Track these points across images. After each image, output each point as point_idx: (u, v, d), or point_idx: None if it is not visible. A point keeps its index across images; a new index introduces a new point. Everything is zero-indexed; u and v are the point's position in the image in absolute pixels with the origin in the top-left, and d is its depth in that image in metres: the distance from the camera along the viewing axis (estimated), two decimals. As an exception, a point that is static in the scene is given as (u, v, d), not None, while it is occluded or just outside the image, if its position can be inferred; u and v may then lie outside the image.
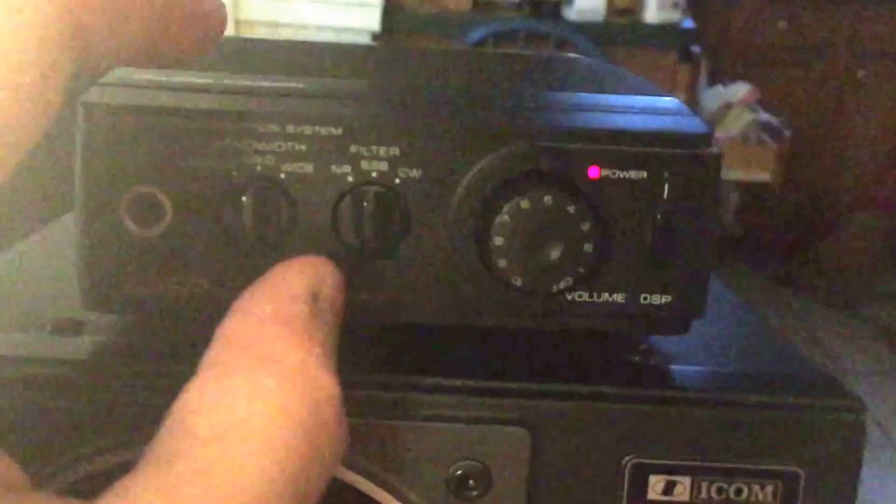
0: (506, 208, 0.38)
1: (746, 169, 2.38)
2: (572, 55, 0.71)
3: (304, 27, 2.41)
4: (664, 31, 2.36)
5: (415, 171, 0.39)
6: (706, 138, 0.40)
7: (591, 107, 0.43)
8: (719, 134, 2.45)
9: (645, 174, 0.39)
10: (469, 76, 0.55)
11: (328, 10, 2.40)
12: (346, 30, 2.41)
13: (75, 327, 0.41)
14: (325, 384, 0.26)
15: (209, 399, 0.25)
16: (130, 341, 0.41)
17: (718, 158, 0.39)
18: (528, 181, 0.38)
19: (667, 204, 0.39)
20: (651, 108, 0.43)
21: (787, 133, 2.44)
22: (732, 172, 2.44)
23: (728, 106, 2.45)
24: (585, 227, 0.38)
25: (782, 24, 2.87)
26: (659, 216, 0.39)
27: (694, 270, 0.40)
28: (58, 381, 0.38)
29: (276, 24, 2.41)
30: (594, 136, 0.39)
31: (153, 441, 0.24)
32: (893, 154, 3.01)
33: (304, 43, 0.64)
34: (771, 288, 2.98)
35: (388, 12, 2.44)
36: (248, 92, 0.40)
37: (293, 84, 0.42)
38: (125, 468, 0.36)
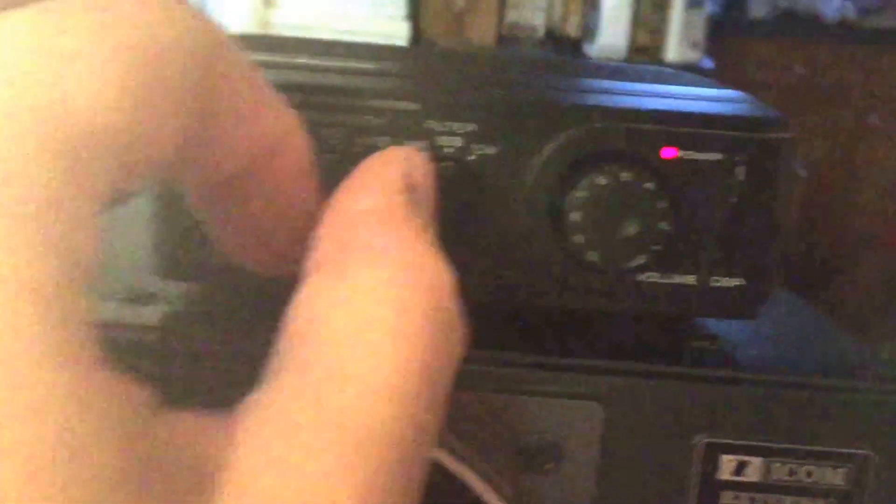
0: (583, 184, 0.38)
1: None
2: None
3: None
4: (684, 70, 2.37)
5: (490, 147, 0.39)
6: (781, 123, 0.40)
7: (664, 93, 0.43)
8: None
9: (720, 156, 0.39)
10: (528, 68, 0.56)
11: (355, 41, 2.41)
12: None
13: (148, 297, 0.41)
14: (438, 270, 0.26)
15: (325, 303, 0.24)
16: (202, 309, 0.41)
17: (793, 143, 0.40)
18: (603, 159, 0.38)
19: (740, 186, 0.39)
20: (722, 97, 0.44)
21: (802, 174, 2.44)
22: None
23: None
24: (662, 204, 0.38)
25: (798, 68, 2.88)
26: (732, 199, 0.39)
27: (765, 254, 0.40)
28: (132, 346, 0.38)
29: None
30: (670, 117, 0.39)
31: (274, 359, 0.23)
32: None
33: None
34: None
35: (413, 45, 2.45)
36: (320, 69, 0.40)
37: (365, 65, 0.43)
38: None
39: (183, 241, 0.39)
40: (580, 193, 0.38)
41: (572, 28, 2.40)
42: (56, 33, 0.20)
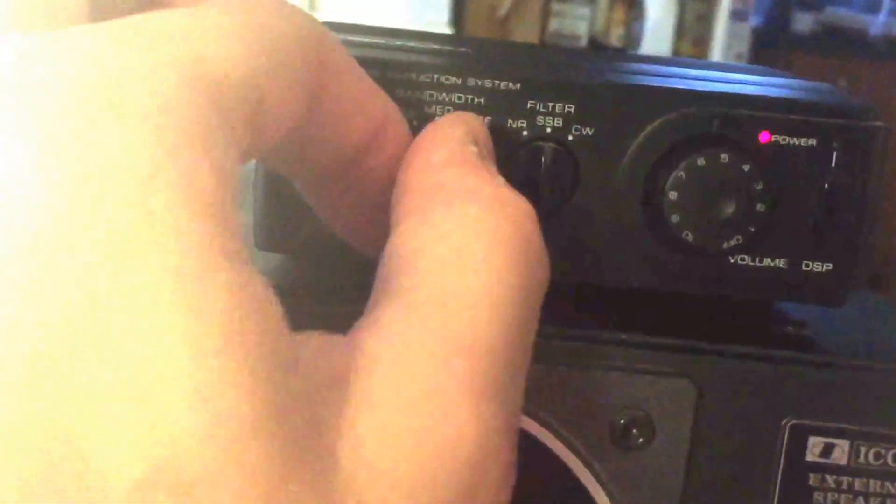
0: (682, 164, 0.39)
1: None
2: None
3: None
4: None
5: (588, 128, 0.39)
6: (874, 112, 0.40)
7: (752, 81, 0.44)
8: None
9: (815, 142, 0.39)
10: (616, 60, 0.56)
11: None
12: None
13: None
14: (521, 203, 0.28)
15: (420, 241, 0.26)
16: (296, 281, 0.42)
17: (887, 131, 0.40)
18: (700, 143, 0.39)
19: (834, 172, 0.40)
20: (811, 88, 0.44)
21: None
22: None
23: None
24: (759, 186, 0.39)
25: (842, 83, 2.88)
26: (826, 184, 0.40)
27: (854, 241, 0.40)
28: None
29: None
30: (766, 103, 0.40)
31: (374, 292, 0.25)
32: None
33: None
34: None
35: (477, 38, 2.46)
36: (422, 50, 0.41)
37: (462, 48, 0.44)
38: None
39: (280, 215, 0.40)
40: (679, 174, 0.39)
41: (615, 37, 2.41)
42: (194, 15, 0.22)
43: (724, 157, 0.38)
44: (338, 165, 0.29)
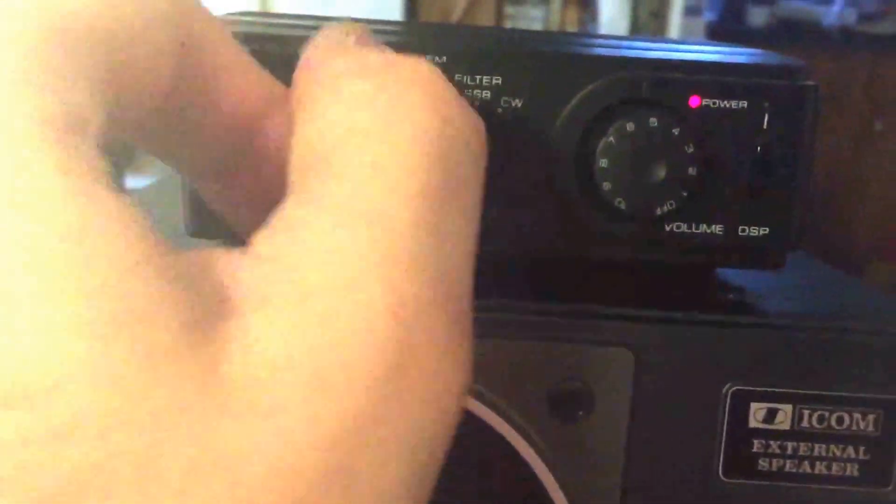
0: (611, 130, 0.38)
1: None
2: None
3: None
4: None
5: (517, 99, 0.39)
6: (804, 71, 0.40)
7: (686, 49, 0.44)
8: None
9: (745, 104, 0.39)
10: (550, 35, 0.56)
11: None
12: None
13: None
14: (419, 65, 0.26)
15: (316, 126, 0.24)
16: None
17: (816, 89, 0.40)
18: (630, 108, 0.38)
19: (766, 134, 0.39)
20: (741, 52, 0.44)
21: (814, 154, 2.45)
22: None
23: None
24: (689, 149, 0.38)
25: (798, 76, 2.90)
26: (758, 147, 0.39)
27: (791, 202, 0.40)
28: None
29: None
30: (695, 66, 0.39)
31: (290, 190, 0.23)
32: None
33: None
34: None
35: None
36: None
37: (389, 27, 0.43)
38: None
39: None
40: (608, 140, 0.38)
41: (571, 37, 2.41)
42: None
43: (654, 121, 0.38)
44: (221, 151, 0.27)
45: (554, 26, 2.46)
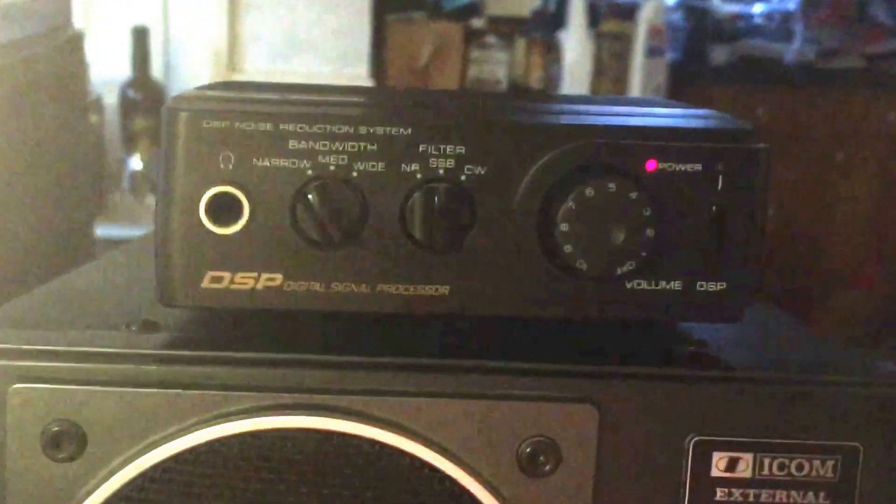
0: (571, 196, 0.40)
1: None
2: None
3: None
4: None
5: (480, 167, 0.40)
6: (754, 134, 0.42)
7: (642, 113, 0.45)
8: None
9: (700, 167, 0.41)
10: (513, 99, 0.58)
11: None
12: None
13: (152, 326, 0.43)
14: None
15: None
16: (202, 335, 0.43)
17: (767, 152, 0.42)
18: (590, 174, 0.40)
19: (720, 195, 0.41)
20: (697, 114, 0.46)
21: (769, 212, 2.48)
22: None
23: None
24: (647, 212, 0.40)
25: (760, 112, 2.93)
26: (713, 206, 0.41)
27: (747, 258, 0.42)
28: (137, 373, 0.40)
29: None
30: (650, 132, 0.41)
31: None
32: (877, 232, 3.06)
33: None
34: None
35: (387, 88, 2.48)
36: (316, 102, 0.42)
37: (356, 98, 0.45)
38: (211, 446, 0.37)
39: (178, 271, 0.41)
40: (568, 205, 0.40)
41: (535, 80, 2.44)
42: None
43: (612, 186, 0.40)
44: None
45: (519, 69, 2.48)
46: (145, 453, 0.39)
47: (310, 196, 0.40)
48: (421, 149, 0.40)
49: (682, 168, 0.41)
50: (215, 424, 0.39)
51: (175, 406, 0.39)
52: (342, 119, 0.40)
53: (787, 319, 0.53)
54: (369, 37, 2.43)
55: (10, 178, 0.93)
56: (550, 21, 2.48)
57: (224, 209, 0.40)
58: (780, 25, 3.03)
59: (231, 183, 0.40)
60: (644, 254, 0.40)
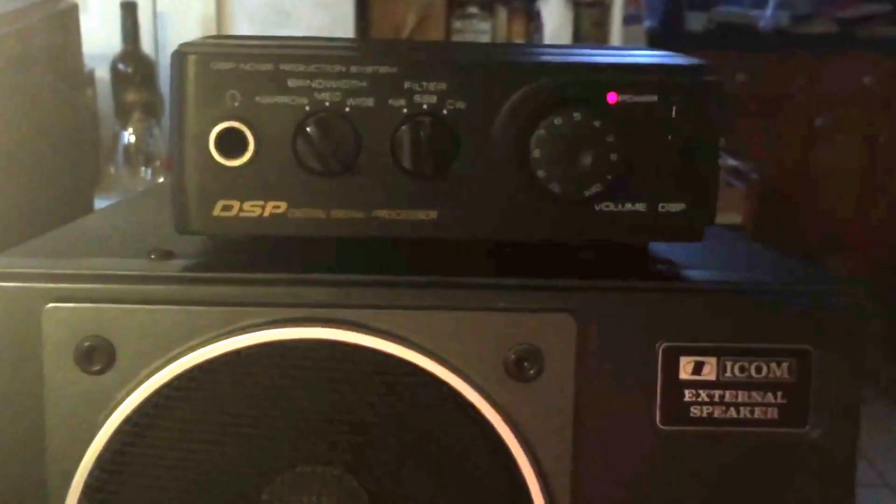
0: (542, 124, 0.44)
1: (719, 212, 2.46)
2: None
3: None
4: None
5: (460, 102, 0.45)
6: (705, 68, 0.46)
7: (606, 53, 0.50)
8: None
9: (655, 98, 0.45)
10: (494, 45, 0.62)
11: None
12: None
13: (170, 255, 0.47)
14: None
15: None
16: (217, 260, 0.47)
17: (718, 84, 0.46)
18: (558, 106, 0.44)
19: (676, 122, 0.45)
20: (657, 54, 0.50)
21: (754, 176, 2.52)
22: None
23: (693, 154, 2.54)
24: (610, 138, 0.44)
25: (741, 77, 2.97)
26: (670, 134, 0.45)
27: (703, 180, 0.46)
28: (160, 292, 0.44)
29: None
30: (611, 68, 0.45)
31: None
32: (862, 198, 3.10)
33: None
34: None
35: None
36: (312, 46, 0.46)
37: (343, 42, 0.49)
38: (228, 357, 0.42)
39: (192, 201, 0.45)
40: (540, 133, 0.44)
41: (517, 50, 2.47)
42: None
43: (577, 115, 0.44)
44: None
45: (500, 39, 2.52)
46: (169, 364, 0.43)
47: (308, 129, 0.44)
48: (406, 85, 0.44)
49: (640, 100, 0.45)
50: (231, 337, 0.43)
51: (195, 322, 0.43)
52: (335, 59, 0.44)
53: (746, 238, 0.57)
54: (354, 7, 2.46)
55: (9, 149, 0.96)
56: (530, -10, 2.52)
57: (231, 143, 0.44)
58: (755, -9, 3.09)
59: (237, 118, 0.44)
60: (609, 177, 0.44)
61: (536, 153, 0.44)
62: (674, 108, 0.45)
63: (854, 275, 2.99)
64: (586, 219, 0.45)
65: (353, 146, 0.44)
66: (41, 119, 1.07)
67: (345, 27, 2.45)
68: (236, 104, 0.44)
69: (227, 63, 0.44)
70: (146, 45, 2.29)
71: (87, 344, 0.43)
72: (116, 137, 2.06)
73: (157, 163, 2.06)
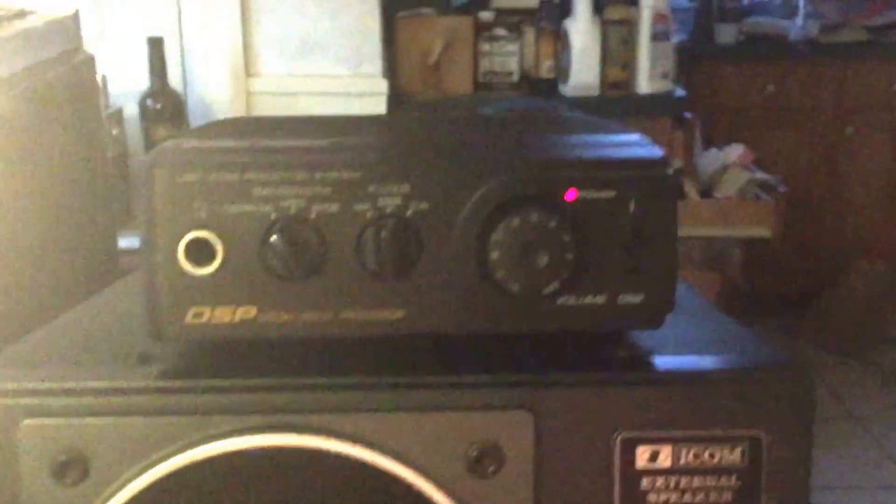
0: (500, 227, 0.45)
1: (746, 226, 2.45)
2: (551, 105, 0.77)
3: (313, 120, 2.48)
4: (657, 101, 2.44)
5: (423, 203, 0.46)
6: (662, 162, 0.47)
7: (566, 143, 0.51)
8: (718, 194, 2.52)
9: (613, 194, 0.46)
10: (462, 128, 0.63)
11: (337, 102, 2.49)
12: (352, 120, 2.49)
13: (146, 359, 0.49)
14: None
15: None
16: (188, 364, 0.49)
17: (673, 177, 0.47)
18: (516, 205, 0.46)
19: (634, 217, 0.46)
20: (616, 143, 0.51)
21: (782, 189, 2.52)
22: (733, 230, 2.51)
23: (724, 167, 2.53)
24: (567, 238, 0.45)
25: (769, 89, 2.97)
26: (628, 228, 0.46)
27: (662, 273, 0.47)
28: (131, 404, 0.46)
29: (286, 120, 2.49)
30: (569, 165, 0.47)
31: None
32: (889, 203, 3.09)
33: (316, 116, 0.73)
34: (780, 339, 3.05)
35: (394, 100, 2.52)
36: (280, 150, 0.48)
37: (317, 142, 0.50)
38: (196, 466, 0.43)
39: (164, 309, 0.47)
40: (497, 235, 0.45)
41: (545, 70, 2.48)
42: None
43: (534, 216, 0.45)
44: None
45: (529, 58, 2.53)
46: (140, 475, 0.45)
47: (274, 237, 0.46)
48: (370, 189, 0.46)
49: (598, 195, 0.46)
50: (200, 446, 0.45)
51: (166, 431, 0.45)
52: (300, 166, 0.46)
53: (710, 309, 0.58)
54: (380, 36, 2.48)
55: (33, 192, 1.01)
56: (557, 10, 2.52)
57: (200, 251, 0.46)
58: (784, 2, 3.08)
59: (205, 228, 0.46)
60: (567, 275, 0.46)
61: (495, 255, 0.46)
62: (632, 202, 0.46)
63: (882, 280, 2.97)
64: (546, 312, 0.47)
65: (318, 251, 0.46)
66: (62, 162, 1.12)
67: (372, 56, 2.47)
68: (203, 214, 0.46)
69: (193, 174, 0.46)
70: (174, 79, 2.31)
71: (62, 457, 0.45)
72: (148, 172, 2.08)
73: (190, 195, 2.08)
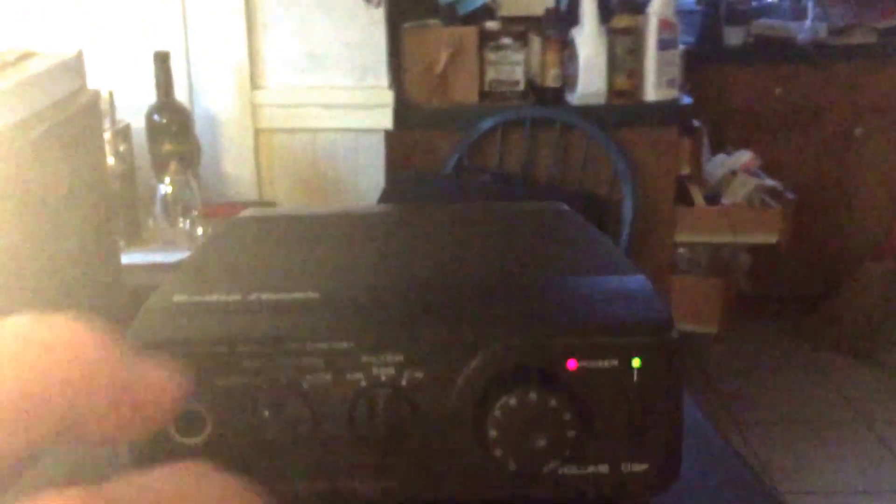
0: (497, 405, 0.44)
1: (754, 232, 2.44)
2: (546, 206, 0.74)
3: (321, 131, 2.48)
4: (664, 108, 2.43)
5: (418, 373, 0.45)
6: (667, 323, 0.46)
7: (565, 296, 0.50)
8: (725, 200, 2.51)
9: (616, 362, 0.45)
10: (457, 263, 0.61)
11: (343, 113, 2.48)
12: (361, 130, 2.48)
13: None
14: None
15: None
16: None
17: (678, 343, 0.46)
18: (515, 377, 0.44)
19: (637, 385, 0.45)
20: (619, 293, 0.50)
21: (790, 196, 2.51)
22: (741, 236, 2.50)
23: (732, 173, 2.52)
24: (567, 416, 0.44)
25: (778, 91, 2.95)
26: (632, 396, 0.45)
27: (667, 440, 0.46)
28: None
29: (293, 130, 2.48)
30: (569, 332, 0.45)
31: None
32: (898, 204, 3.08)
33: (310, 216, 0.72)
34: (791, 343, 3.03)
35: (400, 110, 2.51)
36: (272, 309, 0.47)
37: (310, 295, 0.49)
38: None
39: None
40: (495, 414, 0.44)
41: (551, 79, 2.47)
42: None
43: (533, 395, 0.44)
44: None
45: (535, 68, 2.51)
46: None
47: (265, 411, 0.44)
48: (363, 359, 0.45)
49: (600, 364, 0.45)
50: None
51: None
52: (290, 338, 0.45)
53: (729, 456, 0.57)
54: (386, 47, 2.46)
55: (41, 218, 1.08)
56: (563, 19, 2.51)
57: (189, 422, 0.45)
58: (793, 5, 3.05)
59: (194, 400, 0.44)
60: (567, 453, 0.44)
61: (492, 433, 0.44)
62: (635, 371, 0.45)
63: (890, 279, 2.96)
64: (547, 483, 0.46)
65: (310, 421, 0.45)
66: (68, 191, 1.17)
67: (378, 67, 2.45)
68: (194, 387, 0.45)
69: (181, 348, 0.45)
70: (180, 93, 2.30)
71: None
72: (154, 189, 2.08)
73: (195, 213, 2.08)
